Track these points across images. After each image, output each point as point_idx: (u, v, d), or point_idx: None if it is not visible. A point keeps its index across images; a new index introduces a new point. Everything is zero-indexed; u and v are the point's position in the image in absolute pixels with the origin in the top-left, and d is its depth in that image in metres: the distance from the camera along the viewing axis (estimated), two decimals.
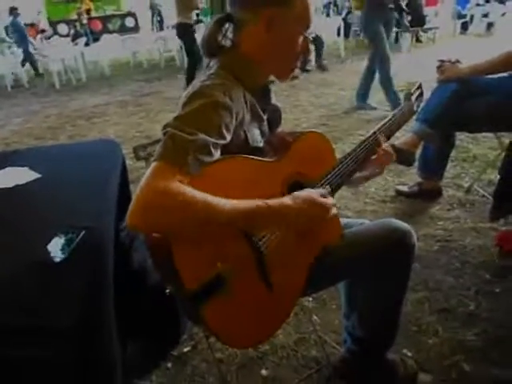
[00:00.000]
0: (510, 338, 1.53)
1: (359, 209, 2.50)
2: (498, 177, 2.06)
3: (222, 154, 0.87)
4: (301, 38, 1.00)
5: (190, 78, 5.57)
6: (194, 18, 5.68)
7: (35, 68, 9.37)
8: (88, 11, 13.58)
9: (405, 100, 1.34)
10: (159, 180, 0.76)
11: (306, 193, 0.93)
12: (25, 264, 1.00)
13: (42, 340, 0.86)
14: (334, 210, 0.96)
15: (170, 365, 1.53)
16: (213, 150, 0.83)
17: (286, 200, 0.89)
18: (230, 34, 1.02)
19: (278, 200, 0.88)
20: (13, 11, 9.52)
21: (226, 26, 1.01)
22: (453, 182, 2.71)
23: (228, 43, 1.02)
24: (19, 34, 9.44)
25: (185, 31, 5.57)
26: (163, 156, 0.79)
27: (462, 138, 3.23)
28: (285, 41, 0.99)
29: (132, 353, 1.34)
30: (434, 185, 2.53)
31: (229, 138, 0.88)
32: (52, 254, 1.01)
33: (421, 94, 1.41)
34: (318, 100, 5.22)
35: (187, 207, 0.76)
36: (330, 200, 0.96)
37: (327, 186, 1.04)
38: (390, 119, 1.26)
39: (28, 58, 9.19)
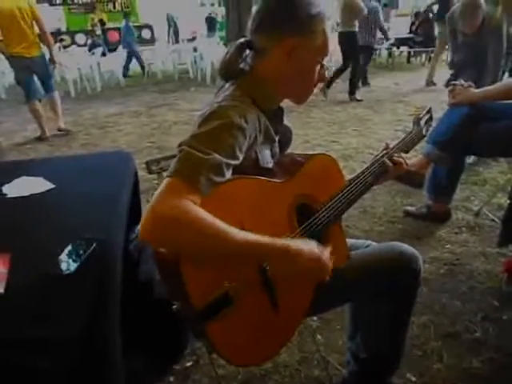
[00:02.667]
0: None
1: (367, 228, 2.49)
2: (508, 201, 2.05)
3: (232, 173, 0.89)
4: (318, 67, 1.03)
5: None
6: (357, 27, 6.14)
7: (142, 67, 10.06)
8: (101, 21, 13.83)
9: (414, 124, 1.36)
10: (171, 196, 0.78)
11: (317, 250, 0.92)
12: (35, 274, 1.01)
13: (47, 350, 0.87)
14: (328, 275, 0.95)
15: (172, 379, 1.53)
16: (225, 170, 0.85)
17: (294, 241, 0.90)
18: (249, 60, 1.04)
19: (294, 244, 0.88)
20: (126, 15, 10.79)
21: (247, 52, 1.04)
22: (462, 204, 2.69)
23: (247, 68, 1.04)
24: (128, 36, 10.15)
25: (349, 39, 5.99)
26: (177, 173, 0.81)
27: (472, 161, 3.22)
28: (304, 69, 1.02)
29: (135, 365, 1.34)
30: (443, 207, 2.52)
31: (241, 158, 0.90)
32: (62, 266, 1.03)
33: (430, 119, 1.42)
34: (330, 117, 5.25)
35: (195, 230, 0.78)
36: (330, 264, 0.95)
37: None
38: (400, 142, 1.27)
39: (135, 57, 9.95)
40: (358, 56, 6.25)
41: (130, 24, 10.48)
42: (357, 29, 6.05)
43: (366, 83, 7.14)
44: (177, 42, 13.71)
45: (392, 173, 1.19)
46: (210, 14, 14.85)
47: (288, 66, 1.00)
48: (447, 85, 3.66)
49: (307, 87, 1.07)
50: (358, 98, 6.14)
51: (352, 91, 6.20)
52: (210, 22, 14.59)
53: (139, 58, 10.00)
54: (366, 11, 6.05)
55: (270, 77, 1.01)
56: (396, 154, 1.21)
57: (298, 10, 0.97)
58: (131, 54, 9.90)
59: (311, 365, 1.56)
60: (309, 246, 0.91)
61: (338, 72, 6.41)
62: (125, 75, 9.56)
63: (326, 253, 0.93)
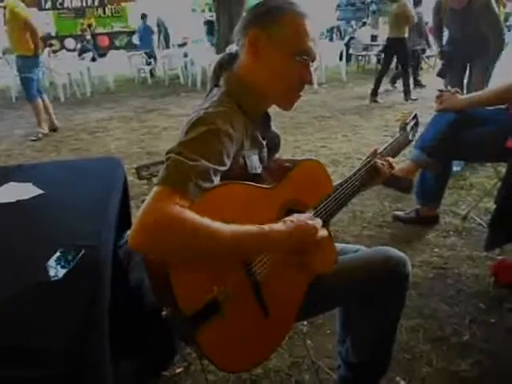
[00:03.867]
0: (504, 369, 1.53)
1: (356, 233, 2.51)
2: (494, 206, 2.08)
3: (221, 179, 0.89)
4: (295, 63, 0.99)
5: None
6: (407, 33, 6.28)
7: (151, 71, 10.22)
8: (89, 26, 13.78)
9: (400, 130, 1.38)
10: (161, 204, 0.78)
11: (295, 216, 0.94)
12: (23, 282, 1.00)
13: (36, 359, 0.86)
14: (323, 232, 0.96)
15: None
16: (213, 176, 0.85)
17: (278, 224, 0.91)
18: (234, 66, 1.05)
19: (271, 224, 0.90)
20: (143, 17, 11.28)
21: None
22: (450, 209, 2.73)
23: (231, 73, 1.05)
24: (146, 37, 10.85)
25: (398, 45, 6.15)
26: (165, 181, 0.81)
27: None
28: (274, 64, 0.99)
29: (124, 372, 1.33)
30: (432, 211, 2.55)
31: (229, 164, 0.91)
32: (51, 273, 1.02)
33: (416, 124, 1.45)
34: (319, 123, 5.29)
35: (187, 234, 0.78)
36: (317, 222, 0.96)
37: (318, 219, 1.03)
38: (386, 147, 1.29)
39: (153, 58, 10.14)
40: (409, 60, 6.46)
41: (148, 24, 11.01)
42: (406, 35, 6.23)
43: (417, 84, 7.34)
44: (167, 47, 13.72)
45: (381, 174, 1.21)
46: (211, 16, 14.92)
47: (257, 61, 0.99)
48: (439, 74, 3.62)
49: (286, 87, 1.02)
50: (413, 97, 6.37)
51: (407, 92, 6.39)
52: (209, 26, 14.68)
53: (155, 59, 10.10)
54: (416, 19, 6.22)
55: (246, 77, 1.01)
56: (383, 158, 1.23)
57: (262, 5, 1.00)
58: (151, 55, 10.03)
59: (302, 370, 1.56)
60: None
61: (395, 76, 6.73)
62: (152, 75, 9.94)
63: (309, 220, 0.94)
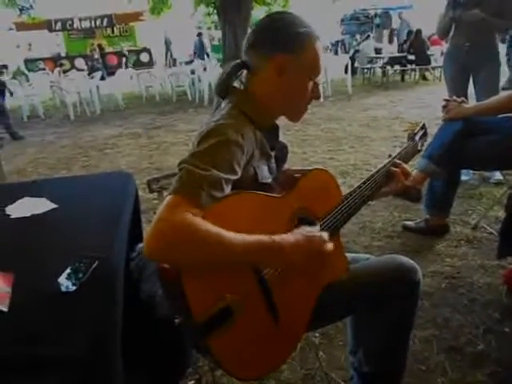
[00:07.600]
0: None
1: (366, 244, 2.50)
2: (505, 214, 2.07)
3: (232, 189, 0.91)
4: (311, 84, 1.07)
5: None
6: None
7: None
8: (100, 46, 14.07)
9: (408, 139, 1.39)
10: (174, 212, 0.80)
11: (304, 228, 0.96)
12: (38, 293, 1.02)
13: (50, 370, 0.87)
14: (329, 245, 0.96)
15: None
16: (225, 185, 0.88)
17: (286, 235, 0.92)
18: (243, 79, 1.09)
19: (281, 235, 0.91)
20: (199, 34, 14.73)
21: (243, 71, 1.08)
22: (460, 218, 2.71)
23: (242, 86, 1.08)
24: (200, 50, 13.97)
25: None
26: (178, 190, 0.84)
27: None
28: (295, 86, 1.06)
29: None
30: (441, 221, 2.53)
31: (240, 173, 0.93)
32: (64, 284, 1.04)
33: (424, 134, 1.46)
34: (326, 135, 5.31)
35: (200, 241, 0.80)
36: (324, 234, 0.96)
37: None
38: (394, 157, 1.30)
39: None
40: None
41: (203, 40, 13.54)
42: None
43: None
44: (174, 65, 13.97)
45: (396, 180, 1.22)
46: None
47: (279, 83, 1.04)
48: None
49: (299, 104, 1.10)
50: None
51: None
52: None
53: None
54: None
55: (262, 94, 1.06)
56: (397, 165, 1.24)
57: (286, 28, 1.03)
58: (204, 68, 10.20)
59: (314, 382, 1.55)
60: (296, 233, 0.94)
61: None
62: None
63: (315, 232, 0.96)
